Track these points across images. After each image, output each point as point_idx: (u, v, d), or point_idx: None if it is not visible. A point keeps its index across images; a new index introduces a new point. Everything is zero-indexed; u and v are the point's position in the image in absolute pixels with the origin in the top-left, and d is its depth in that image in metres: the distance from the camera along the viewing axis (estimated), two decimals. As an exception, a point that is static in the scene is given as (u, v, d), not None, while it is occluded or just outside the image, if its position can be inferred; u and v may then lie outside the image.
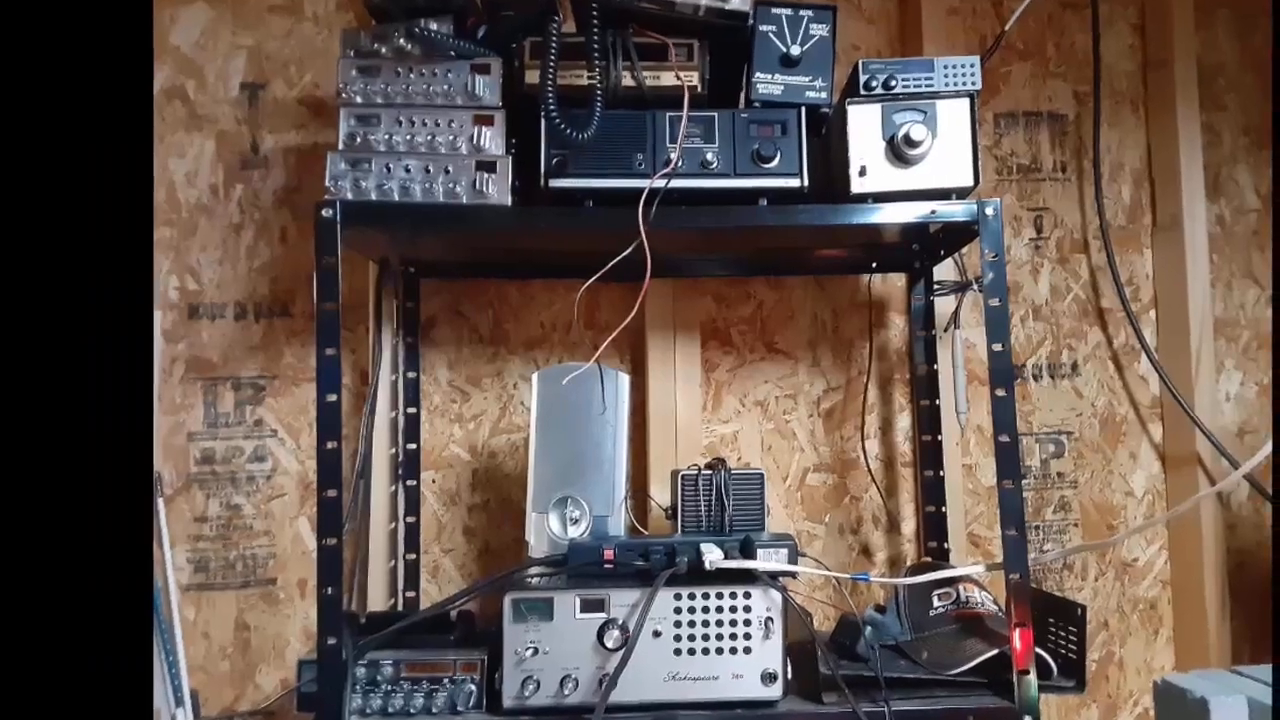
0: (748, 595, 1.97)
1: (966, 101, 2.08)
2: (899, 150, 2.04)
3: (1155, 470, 2.84)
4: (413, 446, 2.62)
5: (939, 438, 2.63)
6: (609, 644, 1.93)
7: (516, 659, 1.94)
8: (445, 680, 2.01)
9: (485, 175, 2.03)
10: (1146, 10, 2.92)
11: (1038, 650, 1.98)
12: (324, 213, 1.99)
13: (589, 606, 1.96)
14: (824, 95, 2.11)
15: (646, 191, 1.98)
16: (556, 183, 2.04)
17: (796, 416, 2.76)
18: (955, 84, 2.07)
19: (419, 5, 2.06)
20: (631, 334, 2.66)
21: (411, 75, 2.06)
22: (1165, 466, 2.84)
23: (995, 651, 2.01)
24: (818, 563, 2.52)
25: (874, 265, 2.72)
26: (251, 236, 2.67)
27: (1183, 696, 1.91)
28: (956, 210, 2.07)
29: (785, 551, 2.00)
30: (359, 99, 2.06)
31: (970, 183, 2.07)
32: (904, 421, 2.77)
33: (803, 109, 2.09)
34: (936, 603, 2.24)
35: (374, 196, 2.03)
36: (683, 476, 2.22)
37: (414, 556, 2.59)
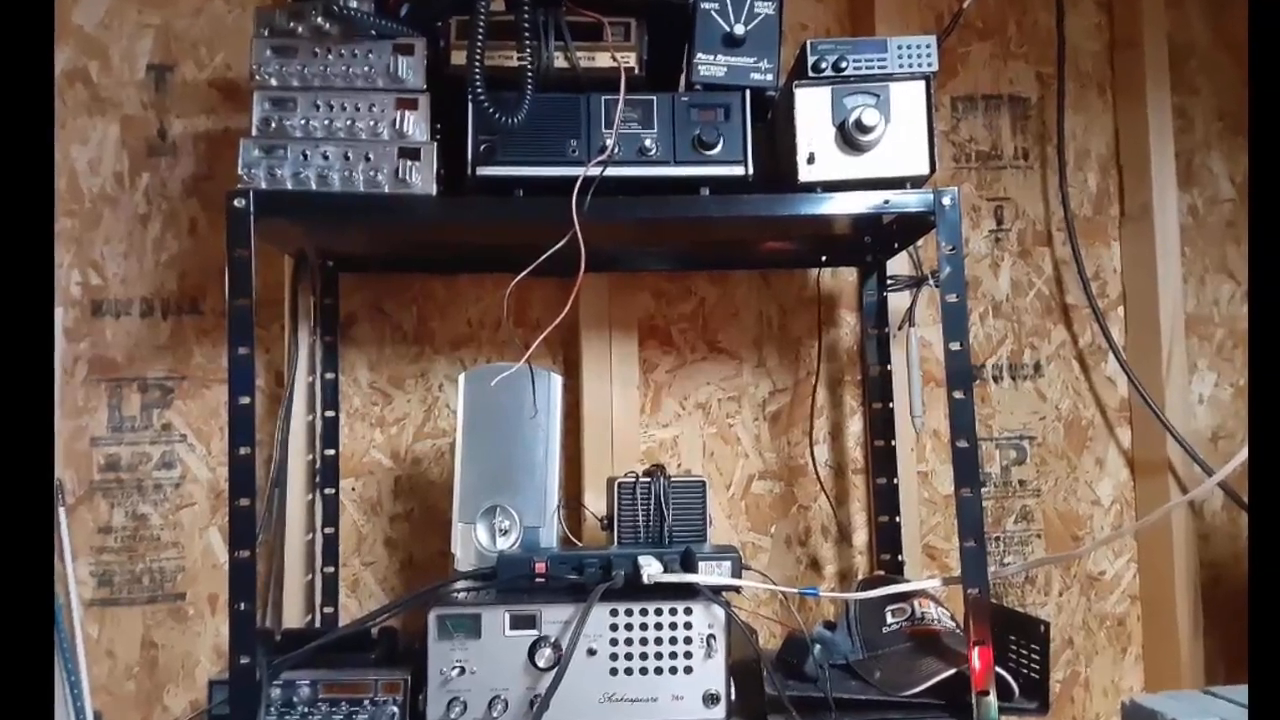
0: (689, 611, 1.97)
1: (922, 84, 2.08)
2: (850, 136, 2.05)
3: (1123, 477, 2.88)
4: (331, 452, 2.61)
5: (892, 443, 2.64)
6: (541, 663, 1.93)
7: (442, 679, 1.94)
8: (366, 701, 2.00)
9: (408, 163, 2.03)
10: (1114, -14, 2.96)
11: (998, 670, 1.99)
12: (236, 203, 1.97)
13: (519, 623, 1.96)
14: (770, 77, 2.11)
15: (581, 180, 1.98)
16: (484, 171, 2.04)
17: (741, 420, 2.77)
18: (910, 65, 2.08)
19: (338, -19, 2.06)
20: (564, 332, 2.67)
21: (330, 56, 2.05)
22: (1134, 473, 2.87)
23: (953, 671, 2.01)
24: (763, 576, 2.51)
25: (823, 259, 2.73)
26: (159, 228, 2.66)
27: (1152, 719, 1.93)
28: (911, 200, 2.08)
29: (729, 564, 2.01)
30: (274, 81, 2.05)
31: (926, 171, 2.08)
32: (855, 425, 2.79)
33: (747, 92, 2.10)
34: (890, 619, 2.25)
35: (290, 185, 2.02)
36: (619, 484, 2.22)
37: (332, 570, 2.59)
